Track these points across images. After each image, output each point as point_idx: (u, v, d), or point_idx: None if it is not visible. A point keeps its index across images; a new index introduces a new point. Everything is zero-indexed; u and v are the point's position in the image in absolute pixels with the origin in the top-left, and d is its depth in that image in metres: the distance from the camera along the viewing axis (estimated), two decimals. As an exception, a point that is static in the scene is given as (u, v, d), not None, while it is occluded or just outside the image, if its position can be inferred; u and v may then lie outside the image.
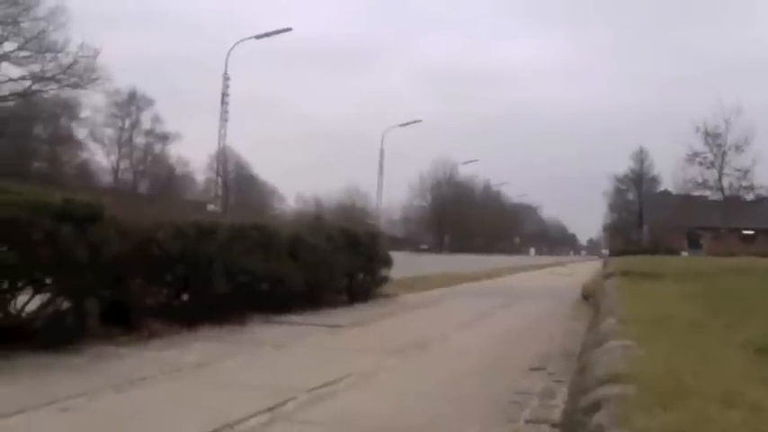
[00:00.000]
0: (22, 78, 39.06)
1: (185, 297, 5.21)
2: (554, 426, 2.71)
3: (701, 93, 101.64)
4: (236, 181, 61.96)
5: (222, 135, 38.98)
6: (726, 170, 49.86)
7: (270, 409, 2.81)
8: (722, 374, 2.57)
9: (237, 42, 36.76)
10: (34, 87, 39.74)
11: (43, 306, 3.93)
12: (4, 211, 3.57)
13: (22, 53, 38.10)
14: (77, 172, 47.13)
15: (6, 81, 38.10)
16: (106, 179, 53.27)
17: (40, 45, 37.90)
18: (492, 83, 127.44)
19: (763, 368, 2.80)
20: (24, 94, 39.78)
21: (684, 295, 6.28)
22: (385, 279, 8.59)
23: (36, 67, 38.57)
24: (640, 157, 77.04)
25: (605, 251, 65.24)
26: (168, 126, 56.53)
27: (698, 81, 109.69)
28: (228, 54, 37.42)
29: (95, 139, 52.66)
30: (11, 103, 39.82)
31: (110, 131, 54.69)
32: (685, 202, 51.16)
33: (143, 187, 55.21)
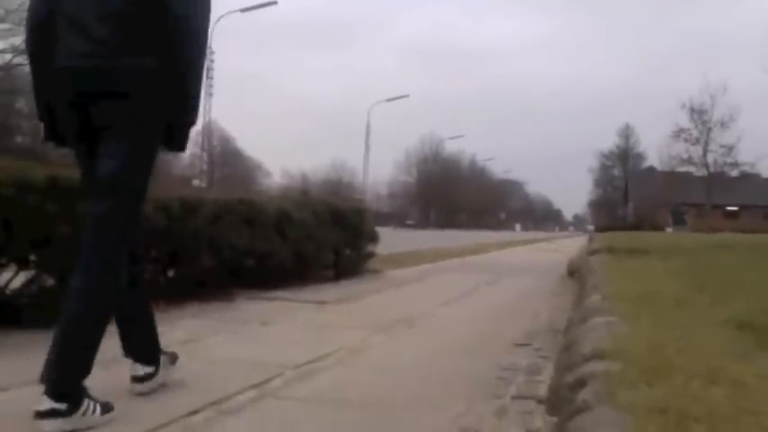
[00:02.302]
0: (3, 51, 38.53)
1: (171, 274, 5.19)
2: (540, 402, 2.74)
3: (687, 70, 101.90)
4: (222, 156, 61.69)
5: (207, 109, 38.77)
6: (711, 147, 50.29)
7: (256, 386, 2.82)
8: (705, 351, 2.60)
9: (222, 15, 36.42)
10: (15, 61, 39.19)
11: (27, 283, 3.90)
12: (-14, 187, 3.53)
13: (3, 26, 37.53)
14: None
15: (-13, 54, 37.53)
16: (90, 154, 52.72)
17: (20, 18, 37.29)
18: (478, 59, 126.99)
19: (744, 344, 2.84)
20: (5, 68, 39.26)
21: (669, 272, 6.34)
22: (371, 255, 8.61)
23: (17, 40, 38.00)
24: (626, 133, 77.49)
25: (591, 227, 65.71)
26: (152, 100, 55.95)
27: (683, 59, 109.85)
28: (213, 27, 37.05)
29: (79, 114, 52.12)
30: (-8, 77, 39.28)
31: (93, 106, 54.13)
32: (670, 178, 51.58)
33: (127, 162, 54.62)
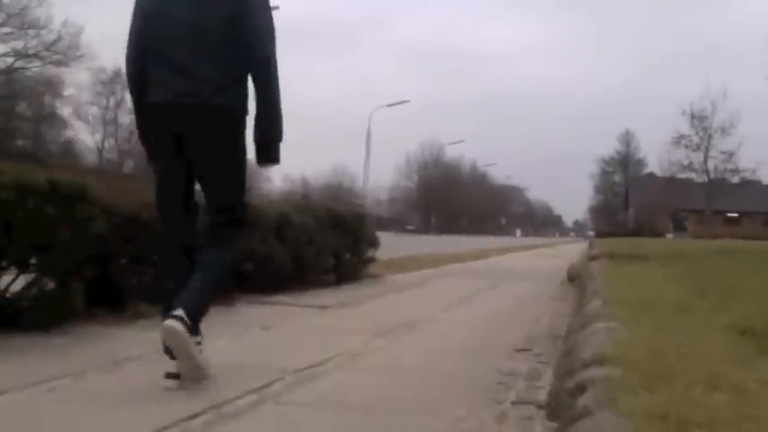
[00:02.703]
0: (5, 55, 38.59)
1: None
2: (540, 407, 2.73)
3: (686, 74, 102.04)
4: (223, 160, 61.40)
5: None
6: (711, 153, 50.28)
7: (257, 390, 2.81)
8: (706, 356, 2.60)
9: (224, 20, 36.46)
10: (17, 65, 39.27)
11: (28, 287, 3.90)
12: (-13, 190, 3.53)
13: (4, 29, 37.61)
14: (61, 150, 46.75)
15: (-12, 58, 37.57)
16: (91, 158, 52.85)
17: (22, 21, 37.43)
18: (478, 63, 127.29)
19: (745, 350, 2.83)
20: (7, 72, 39.30)
21: (669, 277, 6.34)
22: (372, 259, 8.60)
23: (18, 44, 38.12)
24: (626, 139, 77.49)
25: (591, 233, 65.66)
26: (154, 105, 55.87)
27: (682, 62, 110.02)
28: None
29: (80, 118, 52.20)
30: (-6, 81, 39.32)
31: (94, 110, 54.18)
32: (671, 184, 51.56)
33: (128, 166, 54.80)
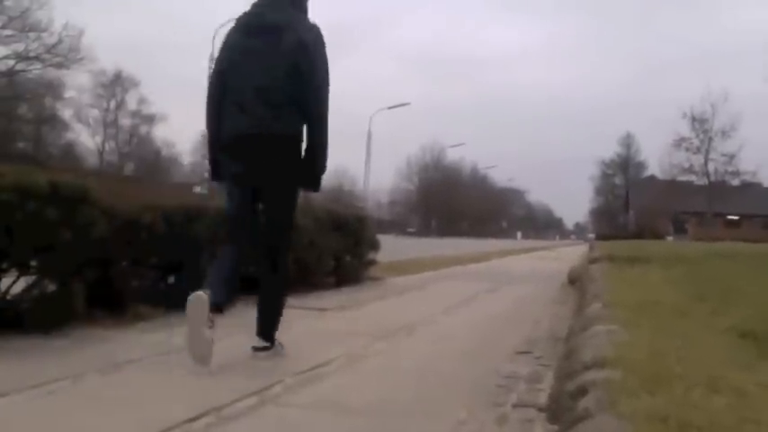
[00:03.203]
0: (6, 58, 38.62)
1: (172, 280, 5.19)
2: (541, 410, 2.73)
3: (686, 77, 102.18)
4: (223, 163, 61.33)
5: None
6: (712, 155, 50.33)
7: (257, 392, 2.81)
8: (706, 360, 2.60)
9: (224, 23, 36.51)
10: (18, 67, 39.31)
11: (28, 289, 3.90)
12: (-12, 192, 3.53)
13: (6, 32, 37.65)
14: (62, 153, 46.79)
15: (-10, 60, 37.62)
16: (91, 160, 52.87)
17: (23, 24, 37.48)
18: (478, 66, 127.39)
19: (745, 353, 2.83)
20: (8, 74, 39.34)
21: (670, 280, 6.34)
22: (372, 262, 8.60)
23: (20, 47, 38.16)
24: (627, 141, 77.46)
25: (591, 235, 65.63)
26: (154, 107, 56.04)
27: (683, 65, 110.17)
28: (215, 35, 37.17)
29: (80, 120, 52.24)
30: (-5, 83, 39.37)
31: (95, 112, 54.24)
32: (671, 186, 51.57)
33: (129, 169, 54.83)
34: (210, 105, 3.51)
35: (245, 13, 3.55)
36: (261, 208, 3.54)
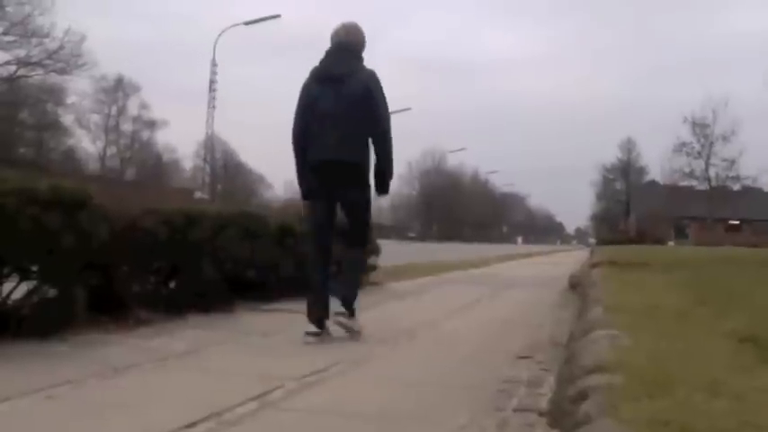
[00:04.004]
0: (8, 63, 38.67)
1: (172, 285, 5.19)
2: (541, 414, 2.73)
3: (686, 82, 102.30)
4: (224, 168, 61.67)
5: (210, 122, 38.81)
6: (713, 160, 50.34)
7: (257, 398, 2.81)
8: (707, 364, 2.59)
9: (226, 28, 36.60)
10: (20, 72, 39.38)
11: (29, 294, 3.90)
12: (-12, 197, 3.54)
13: (7, 38, 37.71)
14: (63, 158, 46.87)
15: (-9, 66, 37.65)
16: (93, 166, 52.94)
17: (25, 30, 37.55)
18: (479, 71, 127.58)
19: (746, 358, 2.83)
20: (10, 80, 39.40)
21: (671, 285, 6.33)
22: (373, 267, 8.59)
23: (21, 52, 38.23)
24: (628, 146, 77.43)
25: (592, 240, 65.53)
26: (155, 113, 56.09)
27: (682, 71, 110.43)
28: (217, 40, 37.27)
29: (82, 126, 52.31)
30: (-4, 89, 39.40)
31: (96, 118, 54.32)
32: (672, 191, 51.54)
33: (130, 174, 54.88)
34: (295, 140, 4.45)
35: (318, 66, 4.47)
36: (345, 213, 4.52)
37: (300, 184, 4.54)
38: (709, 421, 1.85)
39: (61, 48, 38.39)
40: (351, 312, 4.35)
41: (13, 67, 38.54)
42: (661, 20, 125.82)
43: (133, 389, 2.93)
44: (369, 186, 4.50)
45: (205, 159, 42.87)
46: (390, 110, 4.55)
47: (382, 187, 4.57)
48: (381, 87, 4.43)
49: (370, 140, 4.40)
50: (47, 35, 37.72)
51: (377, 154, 4.43)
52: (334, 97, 4.31)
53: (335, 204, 4.46)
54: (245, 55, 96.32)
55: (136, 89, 53.95)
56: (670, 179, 52.64)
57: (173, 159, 59.97)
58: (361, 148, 4.37)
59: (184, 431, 2.35)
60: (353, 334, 4.35)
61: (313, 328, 4.19)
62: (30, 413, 2.52)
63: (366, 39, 4.61)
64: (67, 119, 47.80)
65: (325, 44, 4.56)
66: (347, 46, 4.50)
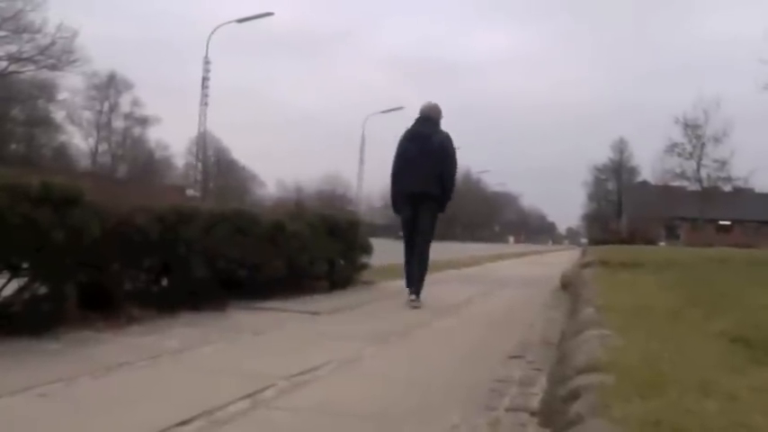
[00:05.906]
0: (-1, 59, 38.41)
1: (164, 282, 5.17)
2: (533, 414, 2.73)
3: (678, 84, 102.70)
4: (216, 166, 61.56)
5: (202, 120, 38.72)
6: (704, 161, 50.53)
7: (249, 396, 2.81)
8: (699, 364, 2.61)
9: (219, 26, 36.53)
10: (11, 68, 39.18)
11: (20, 291, 3.88)
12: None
13: (-1, 33, 37.45)
14: (55, 155, 46.65)
15: (-18, 61, 37.46)
16: (84, 162, 52.70)
17: (16, 25, 37.38)
18: (470, 71, 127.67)
19: (737, 358, 2.84)
20: (1, 75, 39.19)
21: (662, 285, 6.35)
22: (365, 266, 8.59)
23: (13, 48, 38.06)
24: (620, 147, 77.65)
25: (584, 240, 65.64)
26: (147, 110, 55.89)
27: (673, 72, 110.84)
28: (209, 38, 37.20)
29: (73, 122, 52.08)
30: (-13, 84, 39.21)
31: (88, 114, 54.08)
32: (664, 192, 51.68)
33: (122, 171, 54.65)
34: (394, 175, 6.83)
35: (410, 128, 6.87)
36: (420, 223, 6.69)
37: (394, 203, 6.95)
38: (701, 421, 1.86)
39: (53, 44, 38.25)
40: (418, 295, 6.47)
41: (4, 63, 38.38)
42: (654, 22, 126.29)
43: (125, 387, 2.92)
44: (436, 206, 6.76)
45: (197, 157, 42.79)
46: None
47: (442, 207, 6.85)
48: (452, 143, 6.87)
49: (439, 177, 6.64)
50: (38, 31, 37.58)
51: (444, 187, 6.70)
52: (421, 150, 6.61)
53: (417, 217, 6.66)
54: (237, 52, 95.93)
55: (128, 86, 53.78)
56: (662, 180, 52.83)
57: (165, 156, 59.82)
58: (435, 183, 6.62)
59: (176, 429, 2.35)
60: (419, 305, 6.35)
61: (414, 297, 6.38)
62: (22, 411, 2.50)
63: (442, 112, 6.96)
64: (59, 115, 47.64)
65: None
66: (429, 117, 6.86)
